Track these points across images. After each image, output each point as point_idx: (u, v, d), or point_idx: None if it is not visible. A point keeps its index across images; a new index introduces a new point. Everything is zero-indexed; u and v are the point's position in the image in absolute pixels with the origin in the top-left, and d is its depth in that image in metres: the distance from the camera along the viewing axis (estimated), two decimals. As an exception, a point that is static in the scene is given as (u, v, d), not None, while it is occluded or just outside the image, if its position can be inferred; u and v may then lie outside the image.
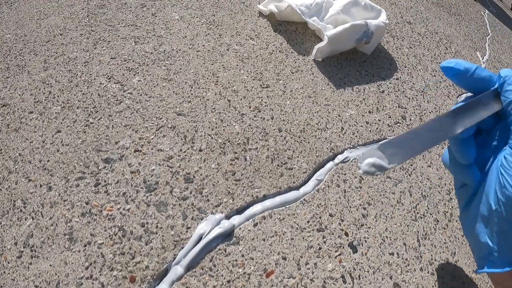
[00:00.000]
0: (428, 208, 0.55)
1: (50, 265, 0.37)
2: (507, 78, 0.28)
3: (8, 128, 0.48)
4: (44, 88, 0.53)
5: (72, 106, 0.51)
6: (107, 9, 0.70)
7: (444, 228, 0.54)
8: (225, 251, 0.41)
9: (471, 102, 0.28)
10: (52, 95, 0.52)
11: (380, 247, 0.47)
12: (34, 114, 0.50)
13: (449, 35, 1.20)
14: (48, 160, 0.45)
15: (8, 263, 0.37)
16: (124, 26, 0.67)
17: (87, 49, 0.60)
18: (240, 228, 0.43)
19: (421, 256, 0.48)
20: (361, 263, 0.45)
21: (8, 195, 0.41)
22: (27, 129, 0.48)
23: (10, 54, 0.58)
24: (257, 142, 0.53)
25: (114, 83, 0.55)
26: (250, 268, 0.40)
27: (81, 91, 0.53)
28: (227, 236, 0.42)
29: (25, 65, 0.57)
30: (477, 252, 0.31)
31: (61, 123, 0.49)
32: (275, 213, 0.45)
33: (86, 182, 0.43)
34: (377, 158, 0.29)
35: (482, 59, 1.18)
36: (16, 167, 0.44)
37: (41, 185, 0.42)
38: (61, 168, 0.44)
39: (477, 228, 0.30)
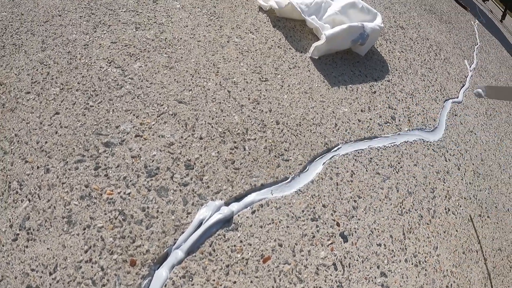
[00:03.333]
0: (413, 204, 0.58)
1: (48, 248, 0.36)
2: None
3: (3, 107, 0.47)
4: (42, 68, 0.52)
5: (71, 88, 0.51)
6: (107, -7, 0.69)
7: (428, 224, 0.57)
8: (224, 237, 0.42)
9: None
10: (50, 76, 0.51)
11: (368, 238, 0.49)
12: (31, 94, 0.49)
13: (439, 42, 1.24)
14: (46, 142, 0.44)
15: (3, 246, 0.36)
16: (125, 11, 0.66)
17: (86, 32, 0.59)
18: (238, 215, 0.44)
19: (406, 248, 0.51)
20: (351, 252, 0.47)
21: (3, 176, 0.40)
22: (24, 110, 0.47)
23: (6, 33, 0.57)
24: (255, 133, 0.54)
25: (115, 67, 0.55)
26: (248, 253, 0.41)
27: (81, 73, 0.53)
28: (226, 222, 0.43)
29: (22, 44, 0.55)
30: None
31: (60, 105, 0.48)
32: (272, 202, 0.47)
33: (86, 165, 0.43)
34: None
35: (470, 67, 1.23)
36: (12, 148, 0.43)
37: (38, 167, 0.42)
38: (59, 150, 0.44)
39: None
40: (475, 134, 0.88)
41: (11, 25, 0.58)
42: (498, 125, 1.01)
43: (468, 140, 0.83)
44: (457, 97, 0.98)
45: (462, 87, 1.05)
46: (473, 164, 0.77)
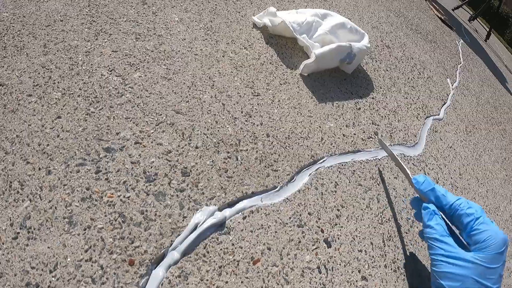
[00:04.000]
0: (393, 214, 0.62)
1: (48, 247, 0.37)
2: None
3: (5, 108, 0.48)
4: (44, 72, 0.54)
5: (73, 93, 0.53)
6: (108, 1, 0.71)
7: (406, 233, 0.61)
8: (218, 240, 0.44)
9: None
10: (52, 80, 0.53)
11: (350, 244, 0.53)
12: (33, 97, 0.50)
13: (423, 61, 1.30)
14: (48, 144, 0.46)
15: (3, 244, 0.37)
16: (125, 21, 0.68)
17: (88, 39, 0.62)
18: (231, 220, 0.47)
19: (385, 255, 0.55)
20: (334, 257, 0.50)
21: (4, 176, 0.41)
22: (26, 112, 0.48)
23: (8, 34, 0.57)
24: (247, 144, 0.58)
25: (116, 76, 0.57)
26: (239, 255, 0.44)
27: (82, 80, 0.55)
28: (219, 226, 0.46)
29: (23, 46, 0.56)
30: None
31: (62, 109, 0.50)
32: (261, 208, 0.50)
33: (87, 169, 0.45)
34: None
35: (452, 85, 1.29)
36: (13, 148, 0.44)
37: (40, 168, 0.43)
38: (61, 153, 0.45)
39: None
40: (454, 149, 0.93)
41: (13, 26, 0.59)
42: (477, 141, 1.07)
43: (447, 155, 0.89)
44: (438, 114, 1.03)
45: (443, 104, 1.11)
46: (451, 178, 0.82)
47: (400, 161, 0.61)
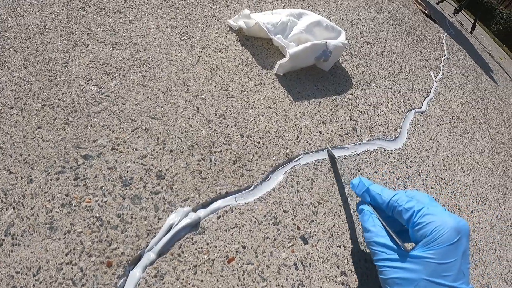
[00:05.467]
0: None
1: (31, 252, 0.40)
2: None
3: (-13, 122, 0.50)
4: (25, 85, 0.56)
5: (52, 104, 0.55)
6: (86, 12, 0.73)
7: (386, 226, 0.62)
8: (192, 240, 0.47)
9: None
10: (33, 92, 0.55)
11: (328, 240, 0.55)
12: (15, 110, 0.52)
13: (405, 55, 1.31)
14: (29, 154, 0.48)
15: None
16: (102, 31, 0.70)
17: (66, 50, 0.64)
18: (205, 220, 0.49)
19: (366, 249, 0.56)
20: (312, 253, 0.52)
21: None
22: (8, 124, 0.50)
23: (-11, 49, 0.60)
24: (221, 145, 0.60)
25: (93, 85, 0.59)
26: (214, 254, 0.46)
27: (61, 90, 0.57)
28: (193, 226, 0.48)
29: (5, 61, 0.58)
30: None
31: (42, 120, 0.52)
32: (236, 208, 0.52)
33: (66, 176, 0.47)
34: None
35: (435, 78, 1.30)
36: None
37: (22, 178, 0.45)
38: (41, 162, 0.48)
39: None
40: (438, 141, 0.94)
41: (-6, 41, 0.61)
42: (462, 132, 1.08)
43: (431, 147, 0.90)
44: (421, 107, 1.04)
45: (426, 97, 1.12)
46: (435, 169, 0.83)
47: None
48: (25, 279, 0.38)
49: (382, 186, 0.47)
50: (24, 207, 0.43)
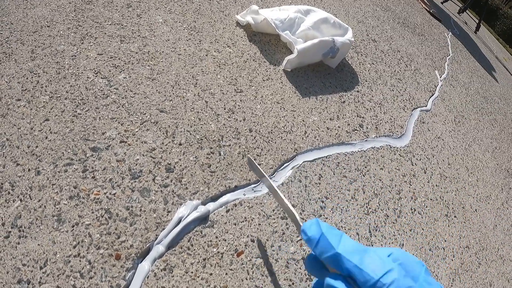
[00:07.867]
0: (379, 205, 0.64)
1: (38, 245, 0.39)
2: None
3: (-6, 113, 0.50)
4: (32, 77, 0.55)
5: (60, 97, 0.54)
6: (93, 5, 0.73)
7: (394, 223, 0.62)
8: (201, 233, 0.46)
9: None
10: (40, 84, 0.55)
11: (334, 235, 0.54)
12: (22, 101, 0.52)
13: (410, 53, 1.31)
14: (37, 146, 0.47)
15: None
16: (110, 24, 0.70)
17: (74, 43, 0.63)
18: (214, 213, 0.49)
19: (372, 245, 0.56)
20: (318, 247, 0.52)
21: None
22: (15, 116, 0.50)
23: (-4, 41, 0.59)
24: (230, 139, 0.59)
25: (101, 78, 0.59)
26: (223, 248, 0.46)
27: (69, 83, 0.56)
28: (203, 220, 0.47)
29: (12, 53, 0.58)
30: None
31: (49, 112, 0.52)
32: (244, 201, 0.52)
33: (74, 168, 0.47)
34: None
35: (440, 77, 1.30)
36: (4, 151, 0.46)
37: (29, 169, 0.45)
38: (49, 154, 0.47)
39: None
40: (443, 140, 0.94)
41: (1, 33, 0.61)
42: (466, 131, 1.08)
43: (436, 145, 0.90)
44: (426, 106, 1.04)
45: (431, 96, 1.12)
46: (440, 167, 0.83)
47: (282, 196, 0.40)
48: (32, 271, 0.38)
49: (359, 244, 0.28)
50: (31, 199, 0.43)
